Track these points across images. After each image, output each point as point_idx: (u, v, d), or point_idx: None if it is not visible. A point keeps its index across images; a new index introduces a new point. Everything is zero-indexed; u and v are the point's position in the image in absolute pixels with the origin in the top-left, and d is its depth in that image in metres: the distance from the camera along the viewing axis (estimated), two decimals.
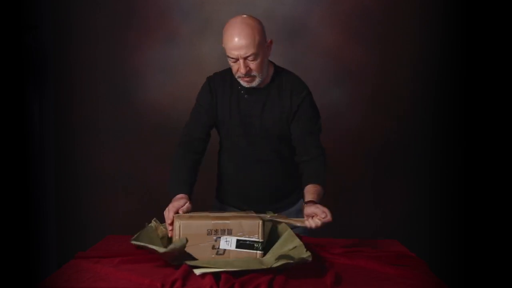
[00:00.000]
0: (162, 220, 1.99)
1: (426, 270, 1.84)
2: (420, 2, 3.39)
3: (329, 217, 1.87)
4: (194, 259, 1.74)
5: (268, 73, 2.13)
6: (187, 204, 1.93)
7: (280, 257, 1.71)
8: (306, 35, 3.40)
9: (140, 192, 3.46)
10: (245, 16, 2.08)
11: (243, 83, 2.10)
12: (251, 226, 1.79)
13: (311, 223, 1.89)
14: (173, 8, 3.39)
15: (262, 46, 2.04)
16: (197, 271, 1.65)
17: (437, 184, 3.47)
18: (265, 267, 1.69)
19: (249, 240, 1.78)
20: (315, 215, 1.88)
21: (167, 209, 1.92)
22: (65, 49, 3.40)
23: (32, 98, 3.14)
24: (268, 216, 1.96)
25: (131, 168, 3.45)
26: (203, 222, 1.79)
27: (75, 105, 3.45)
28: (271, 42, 2.10)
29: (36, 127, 3.17)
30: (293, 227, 1.95)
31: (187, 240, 1.73)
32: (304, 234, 2.10)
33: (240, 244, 1.78)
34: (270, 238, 1.89)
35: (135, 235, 1.87)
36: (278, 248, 1.82)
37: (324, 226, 1.89)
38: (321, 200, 2.01)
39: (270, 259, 1.75)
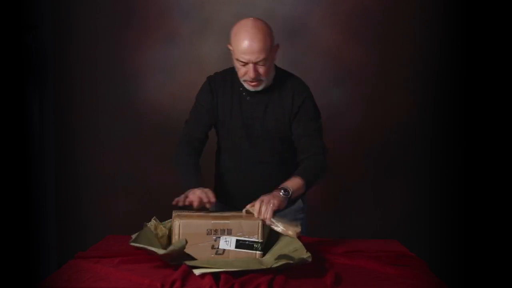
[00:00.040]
0: (161, 219, 1.99)
1: (426, 270, 1.84)
2: (420, 2, 3.39)
3: (257, 210, 1.84)
4: (193, 259, 1.74)
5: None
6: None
7: (280, 257, 1.71)
8: (306, 35, 3.39)
9: (140, 192, 3.46)
10: (256, 19, 2.05)
11: (249, 87, 2.09)
12: (251, 226, 1.79)
13: (256, 210, 1.86)
14: (173, 8, 3.39)
15: (272, 50, 2.03)
16: (197, 271, 1.65)
17: (437, 184, 3.47)
18: (264, 267, 1.69)
19: (248, 241, 1.78)
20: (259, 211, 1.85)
21: (201, 191, 1.89)
22: (65, 49, 3.40)
23: (32, 98, 3.14)
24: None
25: (131, 168, 3.45)
26: (203, 222, 1.79)
27: (75, 105, 3.44)
28: (278, 46, 2.09)
29: (36, 127, 3.17)
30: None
31: (186, 242, 1.73)
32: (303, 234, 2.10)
33: (239, 244, 1.78)
34: (270, 238, 1.89)
35: (134, 237, 1.87)
36: (278, 250, 1.82)
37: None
38: (300, 194, 2.02)
39: (270, 259, 1.75)
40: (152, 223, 1.98)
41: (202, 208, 1.93)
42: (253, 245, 1.78)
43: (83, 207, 3.46)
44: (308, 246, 1.82)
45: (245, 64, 2.02)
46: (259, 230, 1.79)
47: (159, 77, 3.43)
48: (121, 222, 3.23)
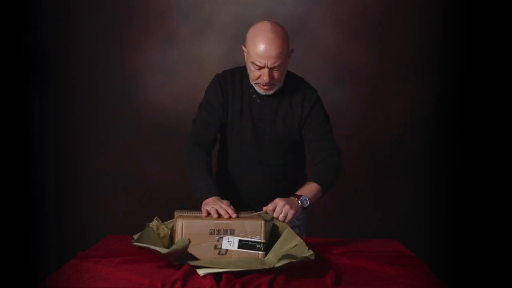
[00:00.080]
0: (161, 219, 1.99)
1: (426, 270, 1.84)
2: (420, 2, 3.39)
3: (282, 219, 1.90)
4: (196, 259, 1.74)
5: None
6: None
7: (283, 257, 1.71)
8: (306, 35, 3.39)
9: (140, 192, 3.46)
10: (274, 23, 2.03)
11: (261, 90, 2.07)
12: (254, 227, 1.79)
13: (269, 210, 1.93)
14: (173, 8, 3.39)
15: (287, 55, 2.03)
16: (201, 271, 1.65)
17: (437, 184, 3.47)
18: (267, 267, 1.69)
19: (251, 241, 1.78)
20: (275, 208, 1.91)
21: (219, 206, 1.83)
22: (65, 49, 3.40)
23: (32, 98, 3.14)
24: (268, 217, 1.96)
25: (131, 168, 3.45)
26: (206, 222, 1.79)
27: (75, 105, 3.44)
28: (292, 51, 2.07)
29: (36, 127, 3.17)
30: (292, 226, 1.96)
31: (189, 241, 1.73)
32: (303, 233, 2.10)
33: (242, 245, 1.78)
34: (271, 237, 1.89)
35: (136, 236, 1.87)
36: (279, 247, 1.82)
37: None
38: (317, 198, 2.05)
39: (272, 259, 1.75)
40: (154, 223, 1.98)
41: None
42: (255, 245, 1.78)
43: (83, 207, 3.46)
44: (308, 246, 1.82)
45: (260, 68, 2.00)
46: (262, 230, 1.78)
47: (159, 77, 3.43)
48: (121, 222, 3.24)
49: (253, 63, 2.00)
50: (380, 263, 1.84)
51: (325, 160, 2.12)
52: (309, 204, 2.00)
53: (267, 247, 1.83)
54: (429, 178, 3.47)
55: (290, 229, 1.89)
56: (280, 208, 1.91)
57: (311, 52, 3.39)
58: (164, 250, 1.70)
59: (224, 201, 1.88)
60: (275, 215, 1.91)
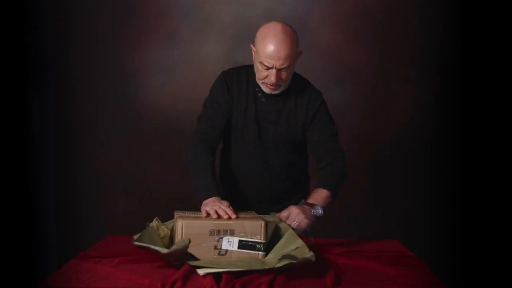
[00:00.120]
0: (161, 219, 1.99)
1: (426, 270, 1.84)
2: (420, 2, 3.39)
3: (295, 226, 1.94)
4: (196, 259, 1.74)
5: None
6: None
7: (283, 257, 1.71)
8: (306, 35, 3.38)
9: (140, 192, 3.46)
10: (285, 24, 2.02)
11: (267, 90, 2.08)
12: (254, 227, 1.78)
13: (283, 217, 1.97)
14: (173, 8, 3.39)
15: (295, 57, 2.03)
16: (201, 271, 1.65)
17: (437, 184, 3.47)
18: (267, 267, 1.69)
19: (251, 241, 1.78)
20: (288, 218, 1.95)
21: (218, 207, 1.82)
22: (65, 49, 3.40)
23: (32, 98, 3.14)
24: (272, 219, 1.96)
25: (131, 168, 3.45)
26: (206, 222, 1.78)
27: (75, 105, 3.44)
28: (301, 53, 2.07)
29: (36, 127, 3.17)
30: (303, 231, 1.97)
31: (189, 241, 1.73)
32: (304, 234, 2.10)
33: (242, 245, 1.77)
34: (273, 238, 1.89)
35: (137, 236, 1.87)
36: (280, 249, 1.82)
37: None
38: (328, 204, 2.06)
39: (273, 260, 1.75)
40: (154, 223, 1.98)
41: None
42: (255, 245, 1.78)
43: (83, 207, 3.46)
44: (309, 246, 1.82)
45: (268, 68, 2.00)
46: (262, 231, 1.78)
47: (159, 77, 3.43)
48: (121, 222, 3.24)
49: (261, 63, 2.00)
50: (380, 263, 1.84)
51: (330, 164, 2.12)
52: (322, 213, 2.02)
53: (269, 248, 1.83)
54: (429, 178, 3.47)
55: (292, 231, 1.89)
56: (294, 216, 1.93)
57: (311, 52, 3.38)
58: (164, 250, 1.70)
59: (224, 202, 1.88)
60: (288, 222, 1.93)
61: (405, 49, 3.42)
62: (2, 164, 2.57)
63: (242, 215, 1.87)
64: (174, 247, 1.72)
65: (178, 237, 1.76)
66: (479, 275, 3.07)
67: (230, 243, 1.77)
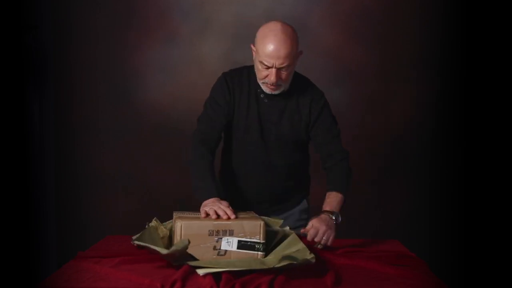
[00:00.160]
0: (161, 219, 1.99)
1: (426, 270, 1.84)
2: (420, 2, 3.39)
3: (325, 242, 1.94)
4: (195, 259, 1.74)
5: None
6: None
7: (283, 258, 1.71)
8: (306, 35, 3.38)
9: (140, 192, 3.46)
10: (284, 23, 2.02)
11: (267, 89, 2.07)
12: (253, 227, 1.78)
13: (311, 236, 1.94)
14: (173, 8, 3.39)
15: (296, 57, 2.03)
16: (200, 271, 1.65)
17: (437, 184, 3.47)
18: (267, 267, 1.69)
19: (250, 241, 1.78)
20: (315, 236, 1.93)
21: (218, 207, 1.82)
22: (65, 49, 3.40)
23: (32, 98, 3.14)
24: (277, 227, 1.96)
25: (131, 168, 3.45)
26: (205, 223, 1.78)
27: (75, 105, 3.45)
28: (301, 52, 2.07)
29: (36, 127, 3.17)
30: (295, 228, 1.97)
31: (189, 242, 1.73)
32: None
33: (241, 245, 1.77)
34: (272, 239, 1.89)
35: (137, 236, 1.87)
36: (281, 250, 1.82)
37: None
38: (341, 207, 2.08)
39: (272, 260, 1.75)
40: (153, 224, 1.98)
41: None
42: (254, 246, 1.78)
43: (83, 207, 3.46)
44: (308, 247, 1.82)
45: (268, 67, 2.00)
46: (261, 231, 1.78)
47: (159, 77, 3.43)
48: (121, 222, 3.24)
49: (261, 62, 2.00)
50: (380, 263, 1.84)
51: (337, 165, 2.13)
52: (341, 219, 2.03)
53: (273, 249, 1.83)
54: (429, 178, 3.47)
55: (295, 234, 1.90)
56: (322, 233, 1.93)
57: (311, 52, 3.38)
58: (163, 251, 1.70)
59: (223, 202, 1.88)
60: (316, 239, 1.93)
61: (405, 49, 3.42)
62: (2, 164, 2.57)
63: (241, 215, 1.87)
64: (173, 248, 1.71)
65: (177, 238, 1.76)
66: (479, 275, 3.07)
67: (229, 244, 1.77)
